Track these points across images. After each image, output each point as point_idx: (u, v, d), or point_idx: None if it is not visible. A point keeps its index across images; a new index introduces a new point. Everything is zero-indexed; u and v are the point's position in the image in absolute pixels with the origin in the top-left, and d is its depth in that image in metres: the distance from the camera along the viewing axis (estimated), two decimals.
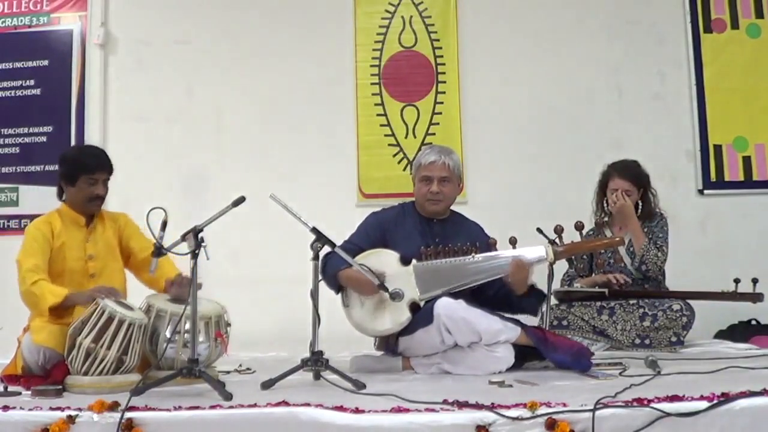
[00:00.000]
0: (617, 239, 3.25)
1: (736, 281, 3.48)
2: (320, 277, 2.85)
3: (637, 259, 3.73)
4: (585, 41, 4.93)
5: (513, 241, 3.05)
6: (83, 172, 3.01)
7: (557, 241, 3.06)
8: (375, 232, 3.19)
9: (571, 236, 3.11)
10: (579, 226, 3.17)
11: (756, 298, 3.53)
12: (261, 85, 5.00)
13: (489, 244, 3.13)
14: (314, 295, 2.75)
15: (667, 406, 2.00)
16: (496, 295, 3.09)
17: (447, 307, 2.85)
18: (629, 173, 3.83)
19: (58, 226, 3.00)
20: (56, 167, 3.14)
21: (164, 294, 3.00)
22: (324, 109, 4.97)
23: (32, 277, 2.82)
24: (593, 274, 3.90)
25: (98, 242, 3.08)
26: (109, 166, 3.09)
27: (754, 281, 3.48)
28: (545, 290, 3.42)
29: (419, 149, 4.83)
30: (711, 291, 3.62)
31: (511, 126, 4.90)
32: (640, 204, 3.88)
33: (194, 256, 2.59)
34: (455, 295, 2.95)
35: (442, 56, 4.99)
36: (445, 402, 2.12)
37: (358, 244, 3.14)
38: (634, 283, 3.78)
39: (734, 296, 3.53)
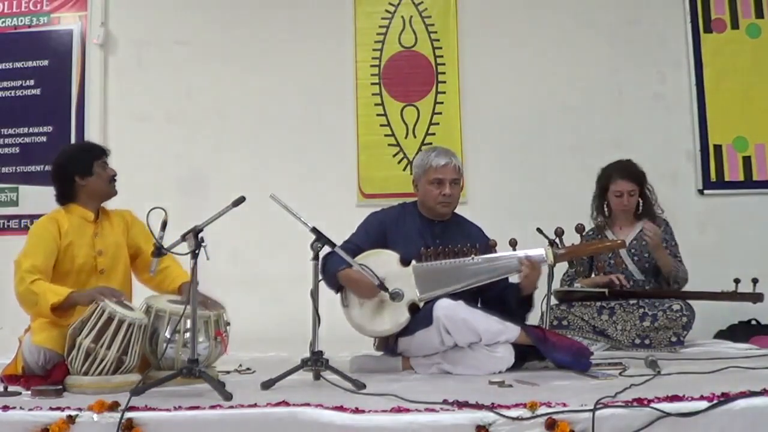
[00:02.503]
0: (618, 242, 3.22)
1: (736, 281, 3.48)
2: (320, 277, 2.85)
3: (669, 280, 3.73)
4: (585, 41, 4.93)
5: (513, 243, 3.05)
6: (95, 158, 3.07)
7: (557, 242, 3.05)
8: (375, 232, 3.19)
9: (571, 238, 3.10)
10: (580, 229, 3.16)
11: (756, 298, 3.53)
12: (261, 85, 5.00)
13: (489, 246, 3.12)
14: (314, 295, 2.75)
15: (667, 406, 1.99)
16: (493, 298, 3.09)
17: (446, 309, 2.85)
18: (630, 173, 3.84)
19: (66, 224, 2.99)
20: None
21: (163, 295, 3.00)
22: (324, 109, 4.98)
23: (30, 276, 2.80)
24: (593, 275, 3.90)
25: (107, 238, 3.08)
26: (107, 151, 3.16)
27: (754, 281, 3.48)
28: (545, 290, 3.43)
29: (419, 149, 4.88)
30: (711, 291, 3.61)
31: (511, 126, 4.90)
32: (640, 202, 3.88)
33: (194, 256, 2.59)
34: (455, 295, 2.95)
35: (442, 56, 4.99)
36: (445, 402, 2.12)
37: (358, 243, 3.13)
38: (635, 283, 3.78)
39: (734, 296, 3.53)
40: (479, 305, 3.10)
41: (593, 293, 3.73)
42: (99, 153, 3.10)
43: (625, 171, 3.85)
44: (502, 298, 3.07)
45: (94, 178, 3.05)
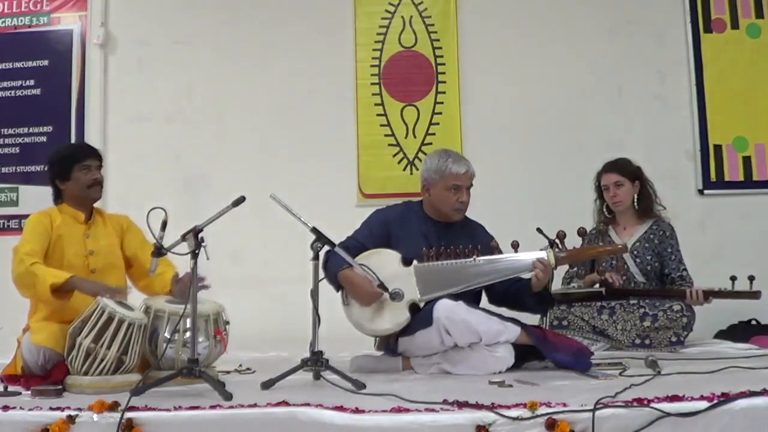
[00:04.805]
0: (620, 247, 3.18)
1: (733, 279, 3.45)
2: (322, 274, 2.85)
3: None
4: (585, 41, 4.93)
5: (515, 245, 3.04)
6: (75, 162, 3.04)
7: (558, 244, 3.04)
8: (379, 230, 3.18)
9: (573, 241, 3.09)
10: (582, 233, 3.14)
11: (753, 295, 3.49)
12: (261, 85, 5.00)
13: (491, 247, 3.10)
14: (314, 295, 2.75)
15: (667, 406, 1.99)
16: (500, 293, 3.11)
17: (447, 309, 2.85)
18: (614, 165, 3.88)
19: (58, 219, 3.01)
20: None
21: (162, 296, 3.00)
22: (324, 110, 4.97)
23: (30, 258, 2.80)
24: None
25: (99, 239, 3.09)
26: (97, 153, 3.12)
27: (751, 278, 3.44)
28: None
29: (419, 149, 4.88)
30: (708, 289, 3.57)
31: (510, 126, 4.90)
32: (636, 198, 3.87)
33: (194, 256, 2.59)
34: (455, 295, 2.95)
35: (442, 56, 4.99)
36: (445, 402, 2.12)
37: (361, 241, 3.13)
38: (635, 285, 3.77)
39: (732, 294, 3.50)
40: (485, 298, 3.12)
41: (591, 293, 3.72)
42: (81, 156, 3.06)
43: (609, 164, 3.90)
44: (514, 294, 3.08)
45: (72, 182, 3.04)
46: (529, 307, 3.09)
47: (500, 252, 3.07)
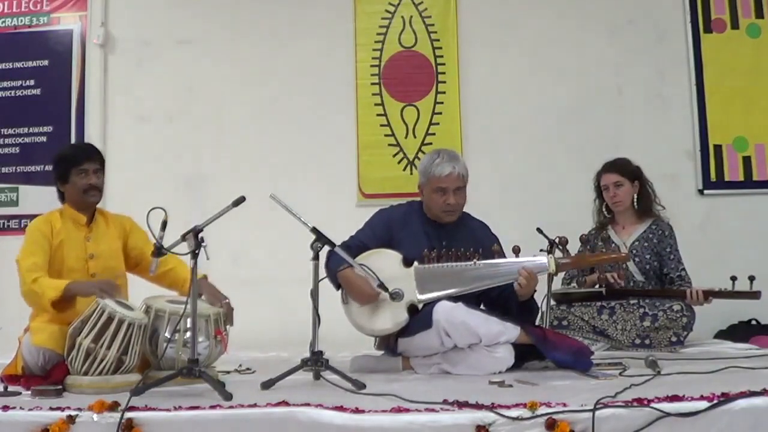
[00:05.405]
0: (623, 255, 3.16)
1: (733, 279, 3.46)
2: (323, 273, 2.85)
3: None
4: (585, 41, 4.93)
5: (516, 250, 3.03)
6: (72, 165, 3.03)
7: (560, 248, 3.03)
8: (382, 231, 3.19)
9: (573, 245, 3.08)
10: (584, 240, 3.14)
11: (753, 295, 3.49)
12: (261, 85, 5.00)
13: (493, 251, 3.09)
14: (314, 295, 2.75)
15: (667, 406, 2.00)
16: (494, 299, 3.10)
17: (446, 312, 2.84)
18: (613, 165, 3.89)
19: (58, 224, 3.01)
20: None
21: (162, 295, 3.00)
22: (324, 110, 4.97)
23: (31, 275, 2.81)
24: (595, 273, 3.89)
25: (100, 242, 3.08)
26: (97, 156, 3.10)
27: (751, 279, 3.44)
28: (545, 291, 3.42)
29: (419, 149, 4.88)
30: (708, 289, 3.57)
31: (511, 126, 4.90)
32: (635, 198, 3.87)
33: (194, 256, 2.59)
34: (455, 297, 2.95)
35: (442, 56, 4.99)
36: (445, 402, 2.12)
37: (363, 241, 3.14)
38: (634, 284, 3.77)
39: (732, 294, 3.50)
40: (482, 306, 3.11)
41: (591, 293, 3.72)
42: (80, 159, 3.03)
43: (609, 164, 3.91)
44: (504, 300, 3.07)
45: (70, 186, 3.04)
46: (513, 314, 3.01)
47: (503, 256, 3.06)
